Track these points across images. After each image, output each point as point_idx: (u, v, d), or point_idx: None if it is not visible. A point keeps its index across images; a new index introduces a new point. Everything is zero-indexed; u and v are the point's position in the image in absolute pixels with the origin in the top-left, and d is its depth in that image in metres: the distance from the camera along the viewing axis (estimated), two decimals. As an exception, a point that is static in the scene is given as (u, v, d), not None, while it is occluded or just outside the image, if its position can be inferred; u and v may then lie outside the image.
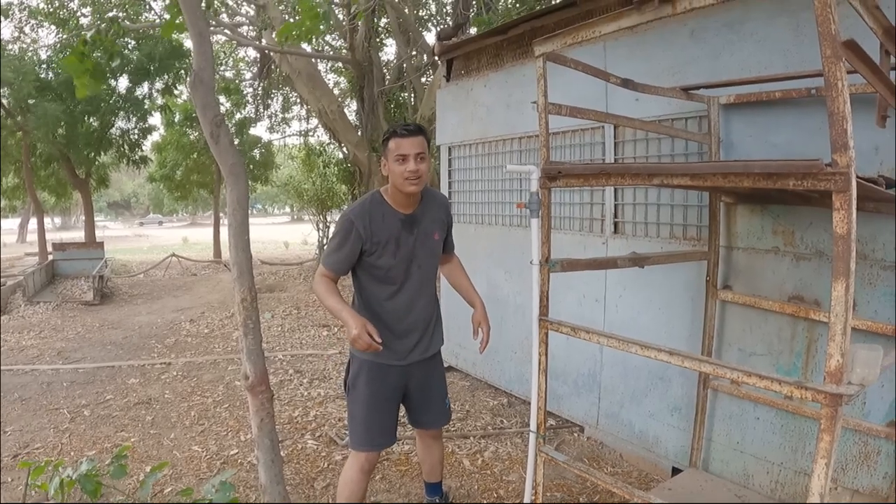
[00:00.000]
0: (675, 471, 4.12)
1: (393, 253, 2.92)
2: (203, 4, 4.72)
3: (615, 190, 4.51)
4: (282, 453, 4.50)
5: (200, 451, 4.72)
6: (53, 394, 6.23)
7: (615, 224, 4.55)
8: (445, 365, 6.45)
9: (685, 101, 3.76)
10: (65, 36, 14.73)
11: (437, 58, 6.70)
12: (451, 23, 12.91)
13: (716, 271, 3.74)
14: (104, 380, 6.69)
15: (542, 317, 2.79)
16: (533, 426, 2.92)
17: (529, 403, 5.37)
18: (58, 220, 60.67)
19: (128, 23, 13.67)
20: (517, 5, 11.73)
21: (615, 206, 4.54)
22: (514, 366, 5.60)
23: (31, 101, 14.46)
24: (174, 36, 15.83)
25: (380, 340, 2.66)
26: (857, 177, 1.75)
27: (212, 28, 14.49)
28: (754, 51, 3.58)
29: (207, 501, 3.21)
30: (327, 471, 4.30)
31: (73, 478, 3.44)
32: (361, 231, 2.86)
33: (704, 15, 3.82)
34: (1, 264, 16.09)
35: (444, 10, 15.24)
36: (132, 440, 4.94)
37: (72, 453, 4.74)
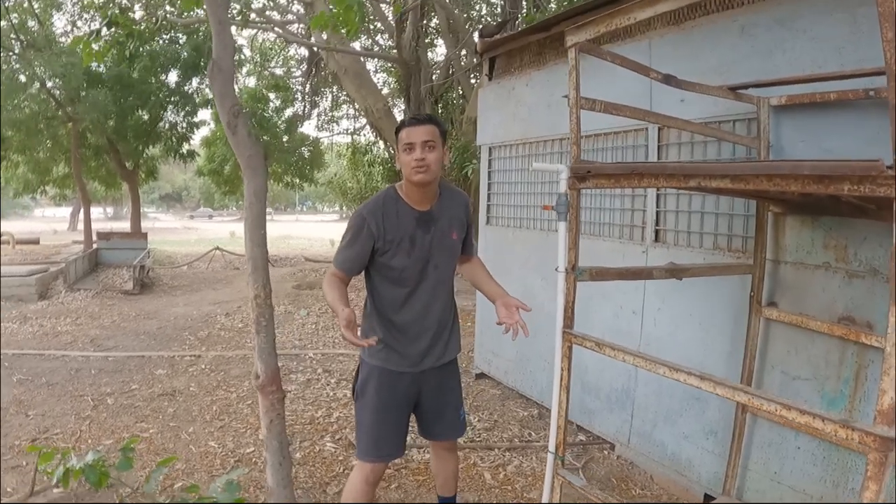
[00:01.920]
0: (708, 497, 3.87)
1: (407, 252, 2.74)
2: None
3: (657, 196, 4.27)
4: (298, 455, 4.39)
5: (216, 447, 4.61)
6: (80, 380, 6.24)
7: (656, 232, 4.32)
8: (477, 371, 6.32)
9: (733, 103, 3.53)
10: (115, 31, 14.91)
11: (479, 55, 6.53)
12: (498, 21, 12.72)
13: (761, 286, 3.48)
14: (132, 369, 6.67)
15: (566, 329, 2.59)
16: (551, 446, 2.71)
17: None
18: (110, 211, 61.96)
19: (170, 16, 13.81)
20: (567, 6, 11.49)
21: (657, 213, 4.30)
22: (547, 376, 5.38)
23: (82, 94, 14.66)
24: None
25: (370, 342, 2.42)
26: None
27: (262, 24, 14.56)
28: (808, 49, 3.33)
29: (212, 500, 3.09)
30: (342, 476, 4.14)
31: (79, 467, 3.35)
32: (374, 228, 2.69)
33: (755, 11, 3.60)
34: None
35: (494, 11, 15.06)
36: (150, 431, 4.89)
37: (89, 441, 4.71)
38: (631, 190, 4.37)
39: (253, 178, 3.00)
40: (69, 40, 15.97)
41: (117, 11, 14.47)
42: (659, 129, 4.23)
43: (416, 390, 2.91)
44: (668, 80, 2.89)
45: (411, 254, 2.73)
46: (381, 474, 2.97)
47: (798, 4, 3.37)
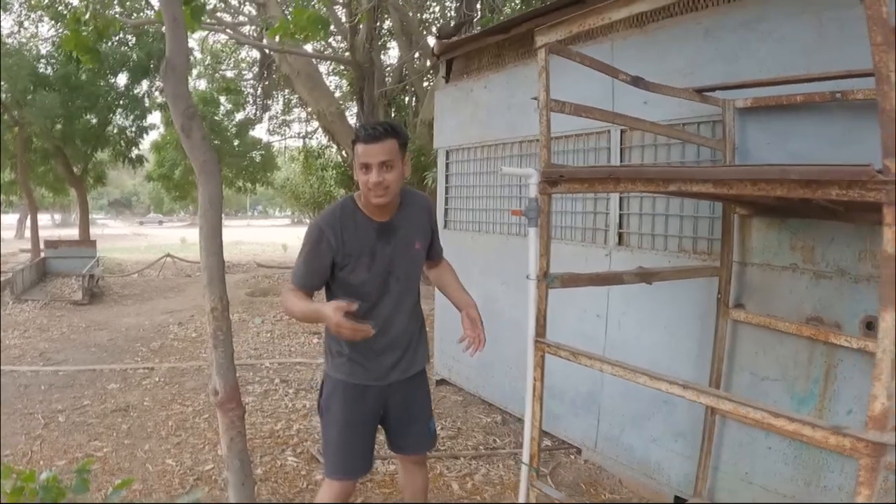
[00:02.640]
0: (679, 500, 3.86)
1: (367, 266, 2.60)
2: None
3: (620, 198, 4.24)
4: (259, 470, 4.25)
5: (174, 464, 4.44)
6: (30, 397, 5.98)
7: (619, 235, 4.28)
8: (438, 378, 6.23)
9: (698, 105, 3.51)
10: (63, 30, 14.54)
11: (436, 57, 6.44)
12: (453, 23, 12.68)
13: (728, 288, 3.47)
14: (84, 384, 6.43)
15: (538, 338, 2.51)
16: (526, 457, 2.63)
17: (524, 421, 5.13)
18: (58, 217, 60.47)
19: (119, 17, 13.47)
20: (523, 8, 11.48)
21: (620, 215, 4.27)
22: (510, 382, 5.32)
23: (28, 97, 14.23)
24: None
25: (365, 328, 2.31)
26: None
27: (213, 25, 14.31)
28: (774, 51, 3.33)
29: (173, 525, 2.96)
30: (306, 491, 4.02)
31: (33, 488, 3.18)
32: (332, 241, 2.54)
33: (720, 13, 3.60)
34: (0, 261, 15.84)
35: (448, 14, 15.00)
36: (105, 450, 4.69)
37: (41, 462, 4.49)
38: (594, 192, 4.32)
39: (207, 184, 2.86)
40: (16, 41, 15.55)
41: (60, 8, 14.19)
42: (622, 131, 4.20)
43: (382, 404, 2.80)
44: (637, 81, 2.84)
45: (371, 268, 2.60)
46: (352, 492, 2.86)
47: (764, 7, 3.37)
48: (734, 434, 3.58)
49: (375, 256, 2.61)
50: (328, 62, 17.89)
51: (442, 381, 6.23)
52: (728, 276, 3.45)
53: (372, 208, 2.61)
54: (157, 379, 6.60)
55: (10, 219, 48.06)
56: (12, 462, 4.48)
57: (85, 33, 5.60)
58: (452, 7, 14.17)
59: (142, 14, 14.35)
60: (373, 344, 2.63)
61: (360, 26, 13.01)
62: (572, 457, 4.60)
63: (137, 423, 5.28)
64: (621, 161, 4.22)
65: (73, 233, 25.35)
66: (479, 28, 10.55)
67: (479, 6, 11.70)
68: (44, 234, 19.02)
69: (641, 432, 4.15)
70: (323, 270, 2.59)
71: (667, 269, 3.37)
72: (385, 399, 2.79)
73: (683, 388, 1.90)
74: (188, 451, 4.68)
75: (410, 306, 2.78)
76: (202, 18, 4.75)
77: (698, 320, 3.74)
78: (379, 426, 2.91)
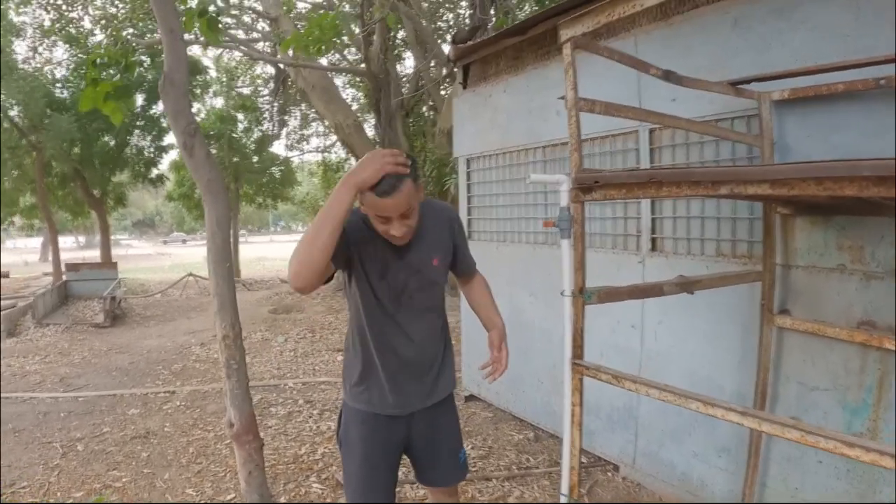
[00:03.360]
0: (725, 519, 3.64)
1: (379, 273, 2.38)
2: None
3: (652, 202, 4.03)
4: (283, 498, 4.07)
5: (195, 494, 4.28)
6: (49, 425, 5.88)
7: (653, 240, 4.07)
8: (467, 394, 6.04)
9: (730, 100, 3.30)
10: (78, 53, 14.60)
11: (452, 63, 6.27)
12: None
13: (771, 293, 3.24)
14: (104, 410, 6.31)
15: (575, 360, 2.29)
16: (565, 487, 2.41)
17: (557, 437, 4.94)
18: (82, 239, 61.05)
19: (131, 38, 13.50)
20: (536, 10, 11.30)
21: (653, 219, 4.06)
22: (541, 396, 5.11)
23: (45, 121, 14.27)
24: (190, 53, 15.66)
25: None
26: None
27: (227, 42, 14.30)
28: (808, 39, 3.13)
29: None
30: (332, 521, 3.84)
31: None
32: (350, 237, 2.28)
33: (748, 2, 3.39)
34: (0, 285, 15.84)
35: (462, 20, 14.86)
36: (123, 480, 4.55)
37: (58, 494, 4.38)
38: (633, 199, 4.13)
39: (214, 205, 2.70)
40: (31, 66, 15.63)
41: (72, 31, 14.21)
42: (650, 131, 3.99)
43: (404, 435, 2.58)
44: (668, 76, 2.64)
45: (384, 280, 2.39)
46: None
47: (796, -8, 3.16)
48: (782, 448, 3.37)
49: (389, 268, 2.39)
50: (343, 75, 17.81)
51: (471, 397, 6.04)
52: (771, 280, 3.23)
53: None
54: (178, 403, 6.47)
55: (35, 242, 48.64)
56: (29, 494, 4.38)
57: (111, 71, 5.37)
58: (466, 14, 14.04)
59: (155, 34, 14.35)
60: (386, 366, 2.46)
61: (374, 37, 12.89)
62: (609, 474, 4.38)
63: (157, 450, 5.13)
64: (651, 162, 4.02)
65: (96, 254, 25.47)
66: (493, 32, 10.39)
67: (493, 11, 11.52)
68: (68, 256, 19.11)
69: (682, 447, 3.93)
70: (342, 247, 2.22)
71: (708, 276, 3.15)
72: (408, 429, 2.58)
73: (742, 416, 1.70)
74: (209, 479, 4.52)
75: (427, 328, 2.54)
76: (218, 35, 4.57)
77: (740, 328, 3.52)
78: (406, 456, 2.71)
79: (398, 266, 2.39)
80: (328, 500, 4.10)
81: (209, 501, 4.15)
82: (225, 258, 2.72)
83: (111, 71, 6.06)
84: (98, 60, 5.13)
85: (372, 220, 2.25)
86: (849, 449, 1.53)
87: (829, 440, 1.56)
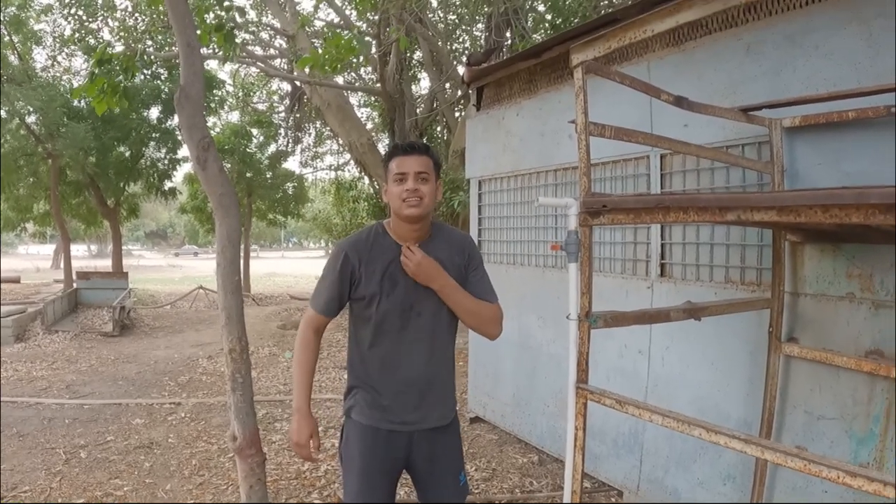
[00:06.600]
0: (729, 550, 3.59)
1: (387, 294, 2.42)
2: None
3: (661, 227, 4.02)
4: (284, 514, 4.06)
5: (196, 506, 4.28)
6: (53, 431, 5.91)
7: (662, 266, 4.06)
8: (472, 415, 6.01)
9: (741, 126, 3.31)
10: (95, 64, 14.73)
11: (466, 85, 6.30)
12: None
13: (779, 321, 3.23)
14: (108, 418, 6.33)
15: (580, 384, 2.27)
16: (566, 511, 2.39)
17: (562, 461, 4.90)
18: (94, 248, 61.40)
19: (152, 50, 13.63)
20: (552, 33, 11.36)
21: (661, 245, 4.05)
22: (547, 420, 5.08)
23: (62, 130, 14.40)
24: (206, 67, 15.80)
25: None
26: None
27: (244, 58, 14.42)
28: (821, 66, 3.14)
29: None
30: (332, 538, 3.83)
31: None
32: (354, 262, 2.41)
33: (761, 28, 3.42)
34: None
35: (478, 43, 14.94)
36: (125, 489, 4.57)
37: (59, 500, 4.38)
38: (641, 224, 4.13)
39: (225, 219, 2.72)
40: (49, 75, 15.79)
41: (91, 41, 14.37)
42: (661, 156, 4.00)
43: (405, 454, 2.56)
44: (680, 102, 2.65)
45: (391, 295, 2.42)
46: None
47: (808, 19, 3.19)
48: (788, 477, 3.33)
49: (397, 285, 2.43)
50: (359, 93, 17.92)
51: (476, 419, 6.02)
52: (780, 307, 3.21)
53: (401, 233, 2.47)
54: (182, 414, 6.47)
55: (48, 249, 48.95)
56: (30, 498, 4.40)
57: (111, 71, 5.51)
58: (482, 37, 14.11)
59: (173, 48, 14.50)
60: (387, 385, 2.49)
61: (390, 57, 12.98)
62: (613, 500, 4.35)
63: (160, 460, 5.13)
64: (661, 187, 4.02)
65: (108, 264, 25.63)
66: (509, 55, 10.44)
67: (508, 33, 11.59)
68: (79, 264, 19.20)
69: (687, 474, 3.90)
70: (343, 292, 2.46)
71: (716, 303, 3.14)
72: (409, 447, 2.56)
73: (745, 443, 1.69)
74: (210, 491, 4.52)
75: (433, 347, 2.53)
76: (235, 50, 4.64)
77: (748, 355, 3.51)
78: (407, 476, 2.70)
79: (407, 284, 2.41)
80: (329, 517, 4.09)
81: (210, 514, 4.16)
82: (234, 272, 2.73)
83: (117, 69, 6.18)
84: (103, 59, 5.28)
85: (390, 187, 2.41)
86: (852, 479, 1.52)
87: (832, 469, 1.55)
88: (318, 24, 15.59)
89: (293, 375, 2.47)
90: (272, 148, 22.10)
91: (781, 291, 3.21)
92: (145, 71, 16.11)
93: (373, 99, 17.77)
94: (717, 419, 3.46)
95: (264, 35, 16.63)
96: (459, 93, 14.02)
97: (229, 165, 20.95)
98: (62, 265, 19.36)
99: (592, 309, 2.27)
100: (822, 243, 3.15)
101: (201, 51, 2.93)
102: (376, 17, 12.26)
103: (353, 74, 17.09)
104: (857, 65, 2.98)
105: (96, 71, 5.32)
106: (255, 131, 21.33)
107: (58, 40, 15.80)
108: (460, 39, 15.72)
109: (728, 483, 3.65)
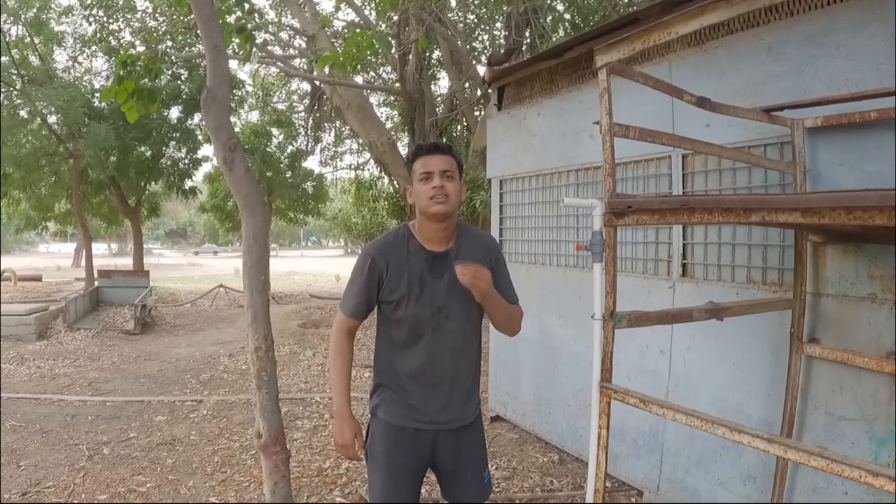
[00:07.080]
0: (750, 550, 3.59)
1: (416, 297, 2.46)
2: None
3: (683, 227, 4.02)
4: (306, 511, 4.10)
5: (218, 502, 4.32)
6: (76, 427, 5.98)
7: (683, 266, 4.07)
8: (493, 414, 6.03)
9: (763, 126, 3.31)
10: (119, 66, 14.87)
11: (487, 85, 6.31)
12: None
13: (801, 322, 3.23)
14: (130, 415, 6.40)
15: (604, 383, 2.29)
16: (589, 510, 2.41)
17: (582, 461, 4.91)
18: (115, 247, 61.91)
19: (172, 50, 13.73)
20: (573, 33, 11.35)
21: (683, 245, 4.05)
22: (567, 419, 5.10)
23: (83, 129, 14.55)
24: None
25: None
26: None
27: (264, 58, 14.50)
28: (842, 66, 3.13)
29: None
30: (354, 535, 3.86)
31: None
32: (381, 265, 2.45)
33: (783, 28, 3.41)
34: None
35: (498, 42, 14.95)
36: (148, 485, 4.61)
37: (83, 496, 4.44)
38: (665, 224, 4.13)
39: (251, 219, 2.75)
40: (71, 75, 15.95)
41: (112, 42, 14.49)
42: (683, 156, 4.00)
43: (429, 451, 2.60)
44: (702, 102, 2.66)
45: (420, 299, 2.46)
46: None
47: (830, 19, 3.18)
48: (808, 477, 3.33)
49: (424, 288, 2.47)
50: (378, 93, 17.97)
51: (497, 418, 6.04)
52: (801, 308, 3.21)
53: (427, 235, 2.51)
54: (204, 412, 6.53)
55: (68, 247, 49.43)
56: (54, 494, 4.45)
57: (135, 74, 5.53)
58: (502, 35, 14.12)
59: (193, 48, 14.62)
60: (415, 385, 2.53)
61: (410, 56, 13.01)
62: (633, 500, 4.35)
63: (183, 457, 5.19)
64: (683, 187, 4.02)
65: (128, 262, 25.83)
66: (528, 55, 10.43)
67: (528, 32, 11.59)
68: (100, 262, 19.36)
69: (708, 475, 3.90)
70: (371, 296, 2.50)
71: (738, 303, 3.14)
72: (433, 446, 2.60)
73: (768, 443, 1.70)
74: (233, 488, 4.56)
75: (462, 349, 2.58)
76: (254, 51, 4.67)
77: (769, 356, 3.50)
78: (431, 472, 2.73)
79: (436, 285, 2.46)
80: (351, 514, 4.13)
81: (233, 510, 4.20)
82: (260, 271, 2.77)
83: (140, 71, 6.21)
84: (127, 61, 5.31)
85: (416, 187, 2.45)
86: (874, 478, 1.53)
87: (854, 469, 1.56)
88: (338, 24, 15.66)
89: (330, 380, 2.51)
90: (292, 147, 22.19)
91: (803, 292, 3.20)
92: (166, 71, 16.23)
93: (392, 98, 17.82)
94: (738, 419, 3.45)
95: (284, 35, 16.73)
96: (479, 92, 14.03)
97: (250, 165, 21.01)
98: (83, 263, 19.50)
99: (616, 308, 2.29)
100: (845, 244, 3.14)
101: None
102: (396, 17, 12.29)
103: (372, 74, 17.14)
104: (879, 65, 2.97)
105: (122, 73, 5.34)
106: (274, 131, 21.41)
107: (79, 41, 15.95)
108: (479, 39, 15.74)
109: (748, 483, 3.64)
